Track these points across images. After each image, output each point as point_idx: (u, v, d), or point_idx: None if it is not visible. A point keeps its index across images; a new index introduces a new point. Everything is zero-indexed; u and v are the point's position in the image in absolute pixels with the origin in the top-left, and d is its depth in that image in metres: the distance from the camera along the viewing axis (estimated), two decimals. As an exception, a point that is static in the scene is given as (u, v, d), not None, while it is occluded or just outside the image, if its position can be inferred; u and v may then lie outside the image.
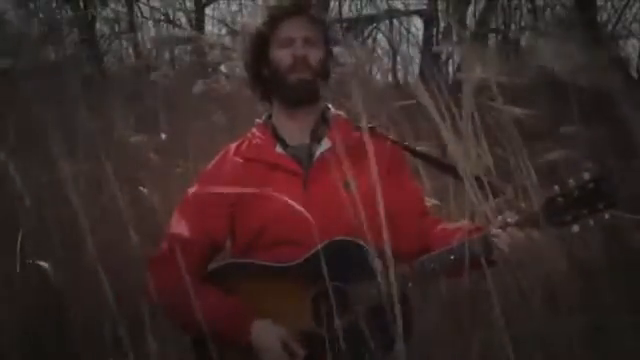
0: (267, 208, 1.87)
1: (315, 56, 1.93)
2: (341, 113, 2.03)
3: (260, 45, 1.97)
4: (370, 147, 1.91)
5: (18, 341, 2.51)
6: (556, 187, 1.72)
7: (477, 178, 1.85)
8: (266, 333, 1.79)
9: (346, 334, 1.69)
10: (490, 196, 1.72)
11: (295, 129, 1.97)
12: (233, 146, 2.01)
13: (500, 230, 1.73)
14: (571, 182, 1.70)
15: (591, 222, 1.69)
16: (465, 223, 1.90)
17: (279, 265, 1.84)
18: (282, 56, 1.93)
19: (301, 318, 1.80)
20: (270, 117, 2.02)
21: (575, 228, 1.70)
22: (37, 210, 2.84)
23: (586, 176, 1.69)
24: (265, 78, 1.98)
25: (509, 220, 1.73)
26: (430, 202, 2.39)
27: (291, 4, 1.96)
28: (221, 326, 1.77)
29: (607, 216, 1.69)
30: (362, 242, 1.79)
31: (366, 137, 1.95)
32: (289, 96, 1.95)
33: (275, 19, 1.95)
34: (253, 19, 2.02)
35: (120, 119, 3.57)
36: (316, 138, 1.96)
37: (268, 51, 1.96)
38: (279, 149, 1.95)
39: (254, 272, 1.86)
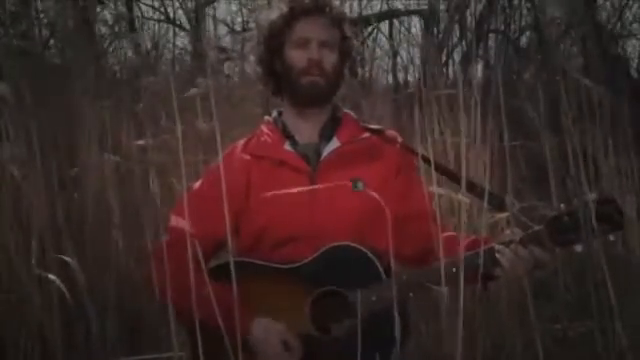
0: (272, 206, 1.86)
1: (330, 60, 1.91)
2: (351, 112, 2.02)
3: (275, 40, 1.94)
4: (380, 148, 1.92)
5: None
6: (562, 206, 1.72)
7: (476, 186, 1.86)
8: (267, 331, 1.77)
9: (343, 339, 1.70)
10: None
11: (305, 127, 1.96)
12: (241, 143, 1.99)
13: (503, 246, 1.73)
14: (577, 202, 1.70)
15: (595, 243, 1.70)
16: (471, 236, 1.90)
17: (280, 266, 1.83)
18: (296, 57, 1.91)
19: (300, 321, 1.79)
20: (280, 114, 2.01)
21: (578, 248, 1.71)
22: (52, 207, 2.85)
23: (592, 196, 1.70)
24: (278, 73, 1.96)
25: (513, 237, 1.74)
26: (458, 197, 2.38)
27: (311, 2, 1.92)
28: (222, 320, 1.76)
29: (612, 237, 1.69)
30: (364, 249, 1.79)
31: (375, 138, 1.96)
32: (300, 98, 1.93)
33: (293, 15, 1.92)
34: (270, 12, 1.97)
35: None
36: (325, 137, 1.95)
37: (283, 47, 1.93)
38: (288, 147, 1.94)
39: (254, 272, 1.84)
